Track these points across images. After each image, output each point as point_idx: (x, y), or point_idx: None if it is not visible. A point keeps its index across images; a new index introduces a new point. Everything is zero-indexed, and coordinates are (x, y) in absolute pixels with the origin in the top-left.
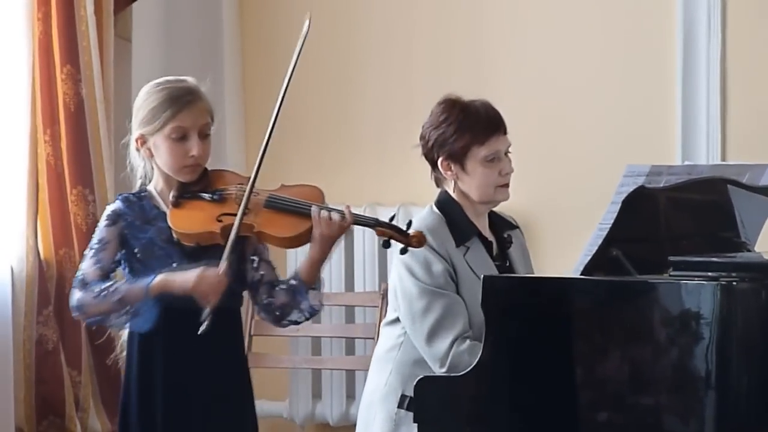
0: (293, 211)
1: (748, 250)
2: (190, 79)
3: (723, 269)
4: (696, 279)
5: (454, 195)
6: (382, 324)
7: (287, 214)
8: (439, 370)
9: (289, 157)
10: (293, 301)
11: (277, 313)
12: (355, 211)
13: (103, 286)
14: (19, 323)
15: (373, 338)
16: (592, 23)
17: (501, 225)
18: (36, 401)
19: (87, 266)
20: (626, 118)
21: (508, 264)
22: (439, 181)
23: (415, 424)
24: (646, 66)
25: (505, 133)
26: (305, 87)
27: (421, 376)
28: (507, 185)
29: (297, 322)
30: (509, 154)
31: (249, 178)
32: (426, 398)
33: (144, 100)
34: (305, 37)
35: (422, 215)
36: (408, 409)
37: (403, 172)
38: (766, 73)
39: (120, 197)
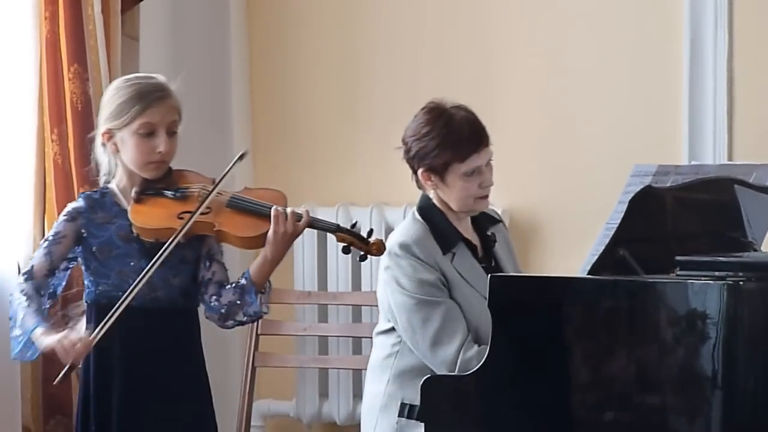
0: (255, 211)
1: (755, 250)
2: (160, 77)
3: (730, 269)
4: (702, 279)
5: (435, 201)
6: (374, 332)
7: (248, 214)
8: None
9: (294, 158)
10: (241, 301)
11: (223, 311)
12: (358, 211)
13: (27, 291)
14: None
15: None
16: (599, 23)
17: (483, 222)
18: (43, 400)
19: (37, 257)
20: (633, 117)
21: (494, 264)
22: (419, 184)
23: (418, 431)
24: (652, 66)
25: (487, 145)
26: (311, 86)
27: (428, 376)
28: (486, 196)
29: (241, 323)
30: (491, 163)
31: (213, 179)
32: (433, 398)
33: (112, 95)
34: (234, 164)
35: (405, 224)
36: (409, 417)
37: (409, 172)
38: None
39: (82, 195)
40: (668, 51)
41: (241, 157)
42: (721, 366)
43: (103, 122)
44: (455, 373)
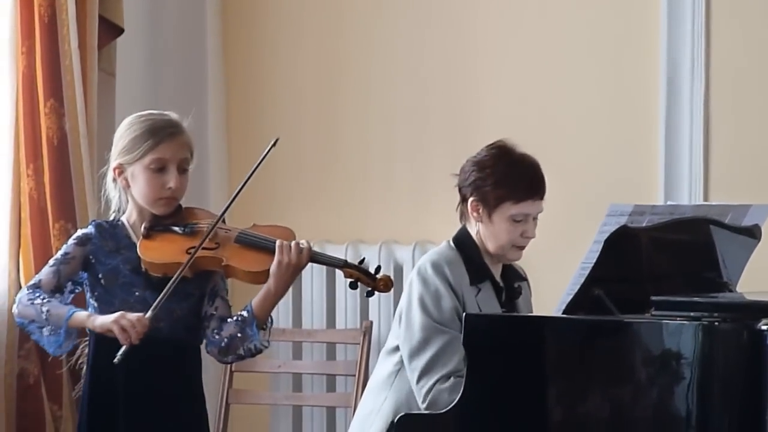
0: (262, 247)
1: (730, 291)
2: (173, 114)
3: (705, 309)
4: (678, 319)
5: (474, 236)
6: (382, 351)
7: (256, 250)
8: (421, 405)
9: (270, 193)
10: (242, 334)
11: (223, 345)
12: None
13: (40, 294)
14: (0, 357)
15: (354, 375)
16: (576, 64)
17: (511, 275)
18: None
19: (45, 273)
20: (610, 157)
21: (515, 313)
22: (463, 216)
23: None
24: (629, 106)
25: (542, 198)
26: (292, 119)
27: (402, 414)
28: (523, 248)
29: (241, 357)
30: (536, 219)
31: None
32: None
33: (125, 130)
34: (266, 155)
35: (439, 249)
36: None
37: (386, 210)
38: (748, 113)
39: (93, 223)
40: (645, 91)
41: (274, 144)
42: (695, 407)
43: (114, 157)
44: (426, 402)
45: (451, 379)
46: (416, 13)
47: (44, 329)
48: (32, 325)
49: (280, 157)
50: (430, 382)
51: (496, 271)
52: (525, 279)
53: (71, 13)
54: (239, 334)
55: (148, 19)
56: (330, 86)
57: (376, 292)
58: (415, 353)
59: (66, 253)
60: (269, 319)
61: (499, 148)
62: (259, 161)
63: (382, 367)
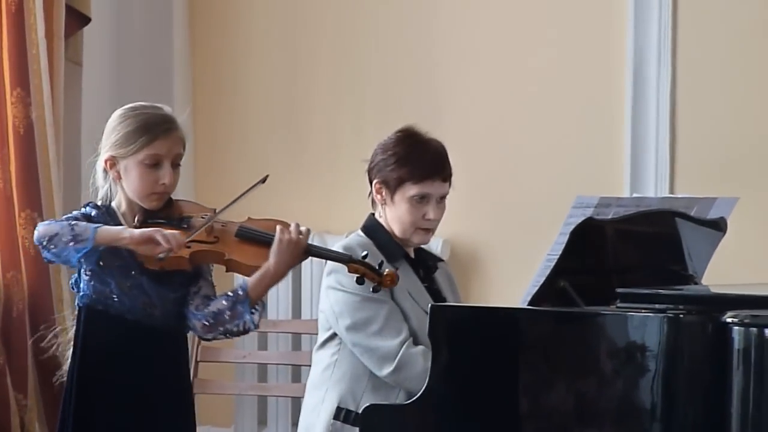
0: (263, 241)
1: (696, 283)
2: (167, 108)
3: (670, 301)
4: (643, 311)
5: (382, 221)
6: (313, 351)
7: (257, 244)
8: (385, 370)
9: (234, 183)
10: (231, 311)
11: (207, 320)
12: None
13: (65, 219)
14: None
15: None
16: (543, 55)
17: (426, 255)
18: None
19: (58, 221)
20: (576, 149)
21: (435, 287)
22: (374, 203)
23: None
24: (595, 98)
25: (444, 180)
26: (253, 110)
27: (368, 405)
28: (428, 230)
29: (228, 334)
30: (443, 202)
31: (212, 209)
32: (373, 427)
33: (119, 122)
34: (254, 187)
35: (349, 238)
36: (344, 421)
37: (353, 199)
38: (714, 105)
39: (90, 204)
40: (611, 84)
41: (263, 180)
42: (660, 399)
43: (106, 148)
44: (395, 363)
45: (419, 346)
46: (386, 15)
47: (70, 241)
48: (54, 239)
49: (249, 142)
50: (393, 344)
51: (409, 251)
52: (441, 260)
53: (38, 2)
54: (229, 312)
55: (115, 9)
56: (299, 76)
57: (383, 288)
58: (361, 328)
59: (76, 218)
60: (261, 302)
61: (404, 131)
62: (246, 190)
63: (318, 364)
